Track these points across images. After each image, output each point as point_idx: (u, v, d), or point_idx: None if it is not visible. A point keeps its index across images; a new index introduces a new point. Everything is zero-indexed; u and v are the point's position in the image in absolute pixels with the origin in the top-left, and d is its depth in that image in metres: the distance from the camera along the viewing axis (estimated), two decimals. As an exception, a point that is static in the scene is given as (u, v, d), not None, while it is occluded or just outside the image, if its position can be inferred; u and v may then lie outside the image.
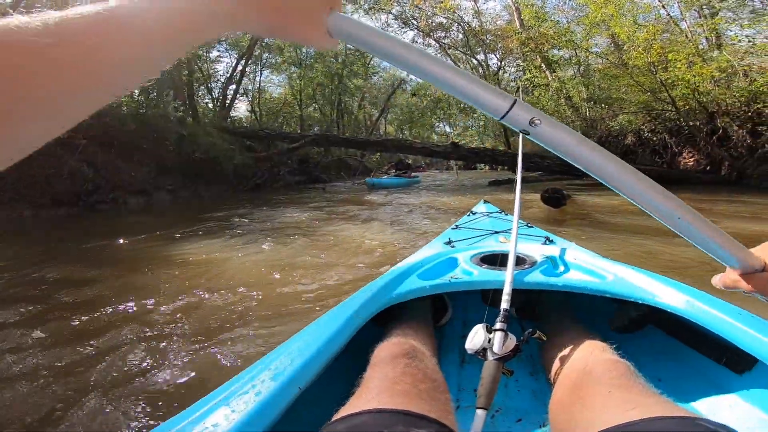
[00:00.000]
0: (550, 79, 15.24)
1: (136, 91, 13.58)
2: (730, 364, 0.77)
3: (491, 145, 21.75)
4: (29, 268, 2.94)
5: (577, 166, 0.39)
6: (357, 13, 19.60)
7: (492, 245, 1.23)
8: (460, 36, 17.70)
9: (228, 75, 17.00)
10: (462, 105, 18.28)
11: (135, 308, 2.05)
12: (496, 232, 1.45)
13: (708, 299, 0.74)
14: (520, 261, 1.00)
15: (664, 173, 9.31)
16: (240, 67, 16.81)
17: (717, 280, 0.46)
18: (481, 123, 23.44)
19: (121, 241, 3.88)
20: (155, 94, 13.15)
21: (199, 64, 15.57)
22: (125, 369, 1.47)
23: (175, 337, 1.70)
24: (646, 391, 0.55)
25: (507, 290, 0.77)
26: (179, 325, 1.83)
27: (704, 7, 10.78)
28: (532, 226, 1.61)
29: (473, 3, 18.51)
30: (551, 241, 1.28)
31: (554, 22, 15.07)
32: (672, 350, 0.90)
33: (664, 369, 0.88)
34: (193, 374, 1.42)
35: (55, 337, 1.75)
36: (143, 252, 3.42)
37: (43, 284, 2.54)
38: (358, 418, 0.50)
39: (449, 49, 18.23)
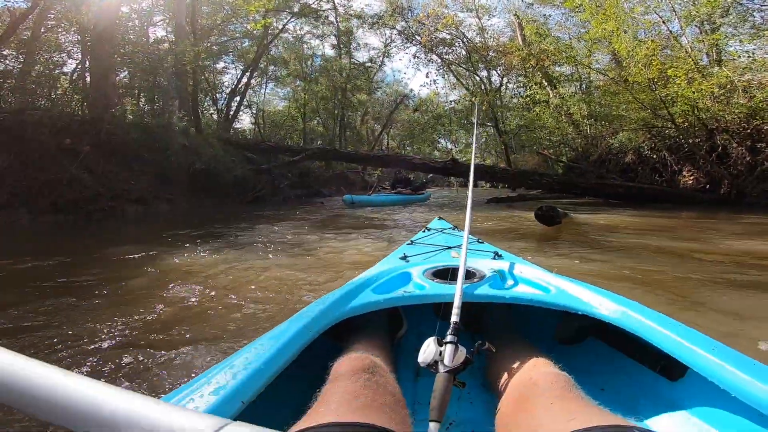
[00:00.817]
0: (551, 95, 15.35)
1: (142, 99, 13.91)
2: (664, 372, 0.81)
3: (492, 162, 21.84)
4: (18, 273, 2.95)
5: None
6: (362, 29, 19.94)
7: (444, 260, 1.27)
8: (463, 52, 17.93)
9: (233, 86, 17.27)
10: (463, 121, 18.35)
11: (116, 315, 2.04)
12: (449, 248, 1.50)
13: (643, 311, 0.78)
14: (470, 275, 1.04)
15: (663, 192, 9.30)
16: (245, 79, 17.06)
17: None
18: (483, 140, 23.58)
19: (114, 249, 3.89)
20: (161, 103, 13.39)
21: (205, 75, 15.79)
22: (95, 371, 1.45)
23: (145, 343, 1.68)
24: (585, 402, 0.59)
25: (457, 303, 0.78)
26: (152, 332, 1.81)
27: (705, 22, 10.89)
28: (482, 242, 1.65)
29: (477, 20, 18.83)
30: (500, 256, 1.33)
31: (556, 38, 15.27)
32: (613, 360, 0.94)
33: (607, 379, 0.92)
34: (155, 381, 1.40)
35: (33, 339, 1.74)
36: (134, 261, 3.42)
37: (27, 288, 2.53)
38: (316, 431, 0.50)
39: (451, 65, 18.47)
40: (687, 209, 7.51)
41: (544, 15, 17.70)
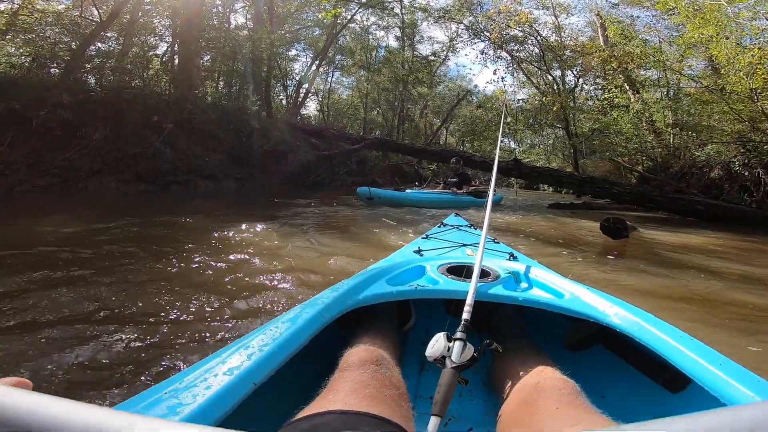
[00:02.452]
0: (632, 100, 14.20)
1: (221, 83, 14.84)
2: (666, 383, 0.81)
3: (558, 166, 20.69)
4: (102, 232, 3.33)
5: None
6: (426, 22, 19.70)
7: (459, 257, 1.26)
8: (536, 50, 17.06)
9: (302, 74, 17.88)
10: (529, 121, 17.54)
11: (179, 277, 2.25)
12: (464, 245, 1.48)
13: (654, 321, 0.78)
14: (484, 274, 1.04)
15: (752, 214, 8.30)
16: (314, 67, 17.60)
17: None
18: (550, 142, 22.41)
19: (186, 219, 4.27)
20: (237, 87, 14.23)
21: (278, 62, 16.50)
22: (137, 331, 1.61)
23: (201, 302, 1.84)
24: (590, 409, 0.61)
25: (469, 301, 0.78)
26: (211, 294, 1.98)
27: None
28: (498, 242, 1.61)
29: (553, 18, 17.80)
30: (515, 258, 1.30)
31: (643, 40, 14.06)
32: (617, 369, 0.95)
33: (608, 387, 0.92)
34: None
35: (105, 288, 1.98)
36: (202, 229, 3.72)
37: (109, 244, 2.86)
38: (324, 417, 0.53)
39: (522, 63, 17.68)
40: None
41: (631, 16, 16.35)
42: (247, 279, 2.33)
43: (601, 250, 4.22)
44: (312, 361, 0.81)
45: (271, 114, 13.86)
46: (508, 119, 17.12)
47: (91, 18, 10.03)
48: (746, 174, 9.77)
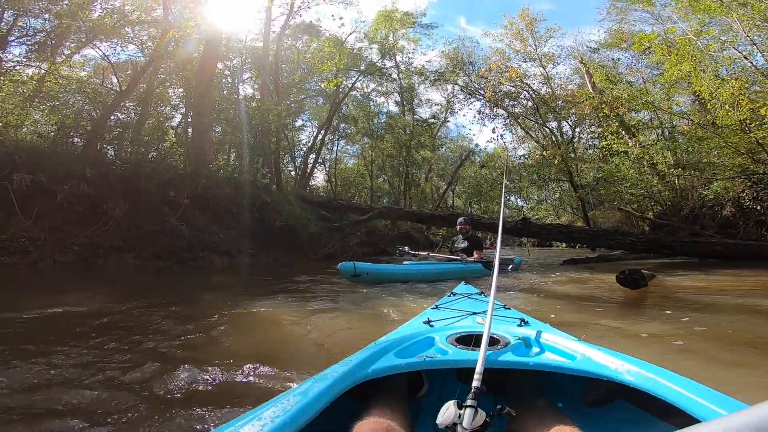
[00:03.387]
0: (630, 144, 14.43)
1: (232, 155, 15.34)
2: None
3: (567, 220, 20.50)
4: (119, 311, 3.38)
5: None
6: (423, 85, 20.77)
7: (469, 326, 1.29)
8: (530, 104, 17.75)
9: (309, 144, 18.67)
10: (533, 177, 17.71)
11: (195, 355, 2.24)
12: (474, 313, 1.50)
13: (668, 375, 0.79)
14: (494, 341, 1.07)
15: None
16: (320, 137, 18.34)
17: None
18: (556, 196, 22.43)
19: (202, 296, 4.32)
20: (247, 160, 14.81)
21: (285, 133, 17.15)
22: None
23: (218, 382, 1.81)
24: None
25: (479, 369, 0.81)
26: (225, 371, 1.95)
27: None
28: (509, 308, 1.62)
29: (541, 69, 18.38)
30: (526, 323, 1.32)
31: (628, 83, 14.56)
32: (640, 422, 0.93)
33: None
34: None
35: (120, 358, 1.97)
36: (216, 307, 3.74)
37: (129, 320, 2.89)
38: None
39: (518, 118, 18.33)
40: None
41: (612, 59, 17.09)
42: (260, 354, 2.30)
43: (621, 303, 4.11)
44: (321, 430, 0.82)
45: (281, 186, 14.24)
46: (511, 175, 17.39)
47: (110, 87, 10.70)
48: (758, 208, 9.65)
